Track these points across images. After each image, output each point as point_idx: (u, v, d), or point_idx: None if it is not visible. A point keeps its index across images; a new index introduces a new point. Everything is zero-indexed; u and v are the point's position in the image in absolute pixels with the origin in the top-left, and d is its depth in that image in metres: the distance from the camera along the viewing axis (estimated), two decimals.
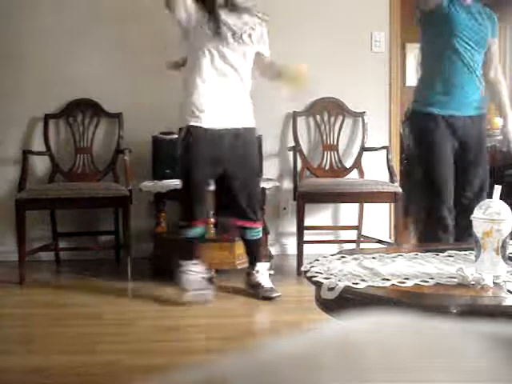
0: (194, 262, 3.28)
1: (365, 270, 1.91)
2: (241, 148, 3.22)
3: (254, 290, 3.34)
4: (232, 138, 3.19)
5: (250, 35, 3.19)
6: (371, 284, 1.75)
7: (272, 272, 3.47)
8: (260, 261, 3.41)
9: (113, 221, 4.13)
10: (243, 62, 3.18)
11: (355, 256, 2.12)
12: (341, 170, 4.34)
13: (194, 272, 3.25)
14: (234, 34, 3.13)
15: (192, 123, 3.12)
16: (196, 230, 3.24)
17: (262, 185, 3.86)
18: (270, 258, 3.89)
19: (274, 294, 3.27)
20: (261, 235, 3.41)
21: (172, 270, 3.24)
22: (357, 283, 1.74)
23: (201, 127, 3.12)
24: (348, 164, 4.38)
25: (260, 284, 3.34)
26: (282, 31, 4.34)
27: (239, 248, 3.56)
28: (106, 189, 3.81)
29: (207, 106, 3.12)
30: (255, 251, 3.41)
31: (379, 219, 4.39)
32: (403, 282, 1.77)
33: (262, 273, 3.38)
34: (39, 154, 4.17)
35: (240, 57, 3.16)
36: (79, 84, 4.22)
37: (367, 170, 4.33)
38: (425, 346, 0.41)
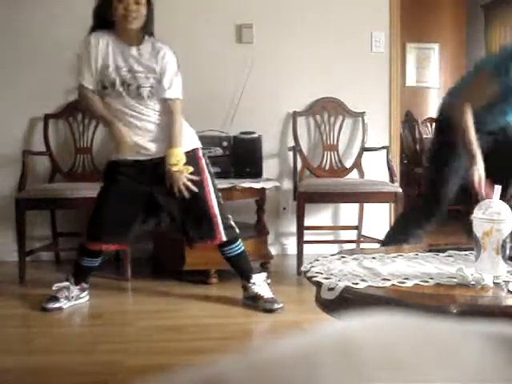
0: (80, 286, 3.23)
1: (365, 270, 1.90)
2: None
3: (254, 302, 3.14)
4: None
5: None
6: (371, 284, 1.74)
7: (269, 281, 3.25)
8: (254, 272, 3.23)
9: None
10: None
11: (355, 256, 2.12)
12: (341, 170, 4.34)
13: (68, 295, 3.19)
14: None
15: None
16: (92, 260, 3.17)
17: (262, 185, 3.85)
18: (269, 258, 3.89)
19: (276, 306, 3.08)
20: (241, 250, 3.17)
21: (171, 270, 3.23)
22: (357, 283, 1.74)
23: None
24: (348, 164, 4.38)
25: (259, 295, 3.14)
26: (281, 32, 4.35)
27: None
28: None
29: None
30: (242, 266, 3.21)
31: (379, 219, 4.39)
32: (403, 282, 1.77)
33: (259, 284, 3.18)
34: (39, 154, 4.17)
35: None
36: None
37: (367, 170, 4.33)
38: (425, 346, 0.41)
